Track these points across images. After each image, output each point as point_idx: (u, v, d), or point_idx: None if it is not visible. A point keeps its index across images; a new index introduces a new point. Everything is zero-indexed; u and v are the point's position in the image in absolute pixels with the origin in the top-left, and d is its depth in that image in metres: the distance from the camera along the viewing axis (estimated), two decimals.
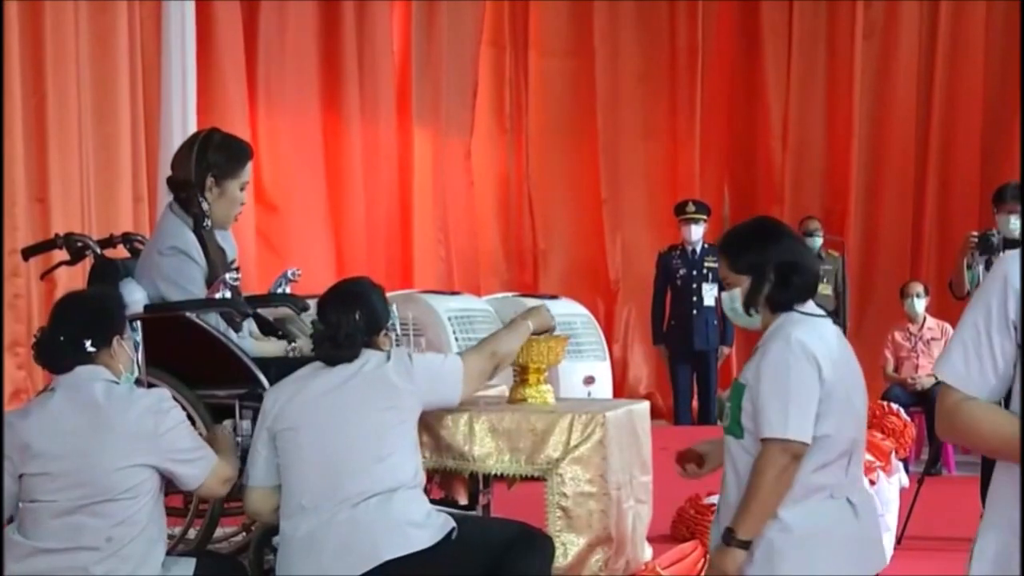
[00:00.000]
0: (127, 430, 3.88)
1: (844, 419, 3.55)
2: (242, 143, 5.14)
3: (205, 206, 4.86)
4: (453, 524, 4.07)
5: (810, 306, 3.66)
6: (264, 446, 4.20)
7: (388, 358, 4.21)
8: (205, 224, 4.86)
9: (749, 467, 3.53)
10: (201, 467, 4.03)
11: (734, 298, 3.71)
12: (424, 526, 4.04)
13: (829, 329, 3.63)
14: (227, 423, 4.65)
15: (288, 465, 4.13)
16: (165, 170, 8.07)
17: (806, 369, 3.48)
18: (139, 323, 4.63)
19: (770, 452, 3.47)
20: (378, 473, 4.03)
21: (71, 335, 3.96)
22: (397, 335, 4.58)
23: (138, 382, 4.25)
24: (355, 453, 4.05)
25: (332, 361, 4.20)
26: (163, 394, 4.08)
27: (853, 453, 3.61)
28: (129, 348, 4.10)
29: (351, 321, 4.18)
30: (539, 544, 4.28)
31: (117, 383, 3.98)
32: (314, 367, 4.26)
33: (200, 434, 4.64)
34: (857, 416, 3.63)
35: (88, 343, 3.96)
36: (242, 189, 4.96)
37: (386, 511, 4.00)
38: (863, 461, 3.78)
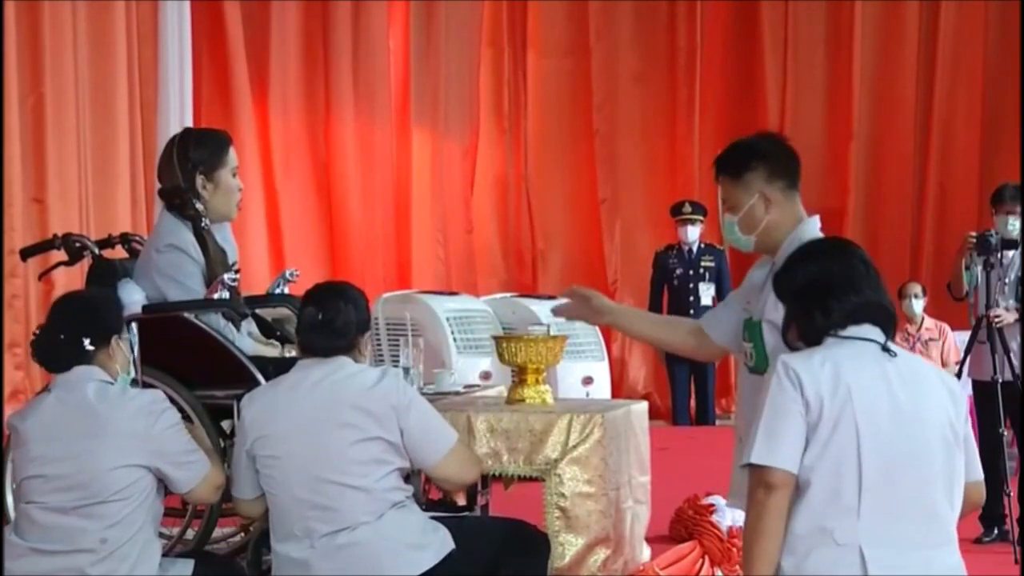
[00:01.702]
0: (120, 430, 3.87)
1: (843, 452, 3.08)
2: (218, 131, 5.15)
3: (200, 206, 4.85)
4: (452, 546, 4.00)
5: (857, 329, 3.21)
6: (245, 465, 4.06)
7: (378, 381, 4.01)
8: (204, 224, 4.85)
9: None
10: (193, 471, 4.00)
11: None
12: (423, 546, 3.96)
13: (851, 353, 3.17)
14: (225, 424, 4.64)
15: (274, 493, 4.00)
16: None
17: (784, 390, 3.11)
18: (135, 325, 4.61)
19: (749, 485, 3.13)
20: (370, 500, 3.92)
21: (71, 333, 3.96)
22: (374, 342, 4.46)
23: (134, 383, 4.23)
24: (344, 484, 3.92)
25: (326, 352, 4.03)
26: (157, 395, 4.05)
27: (870, 495, 3.08)
28: (126, 349, 4.09)
29: (349, 311, 4.07)
30: (535, 543, 4.26)
31: (111, 383, 3.97)
32: (294, 379, 4.07)
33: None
34: (877, 453, 3.08)
35: (87, 341, 3.95)
36: (234, 175, 4.95)
37: (382, 535, 3.92)
38: (918, 515, 3.14)
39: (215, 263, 4.85)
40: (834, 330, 3.21)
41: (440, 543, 3.99)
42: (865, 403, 3.10)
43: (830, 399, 3.09)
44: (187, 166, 4.87)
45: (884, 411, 3.11)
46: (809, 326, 3.23)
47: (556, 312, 4.47)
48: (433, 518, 4.10)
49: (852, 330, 3.20)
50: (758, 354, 3.81)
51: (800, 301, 3.26)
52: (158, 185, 5.09)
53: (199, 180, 4.87)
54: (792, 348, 3.29)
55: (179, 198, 4.85)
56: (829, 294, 3.22)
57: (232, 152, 4.97)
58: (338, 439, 3.93)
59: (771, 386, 3.14)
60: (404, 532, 3.96)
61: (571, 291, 4.38)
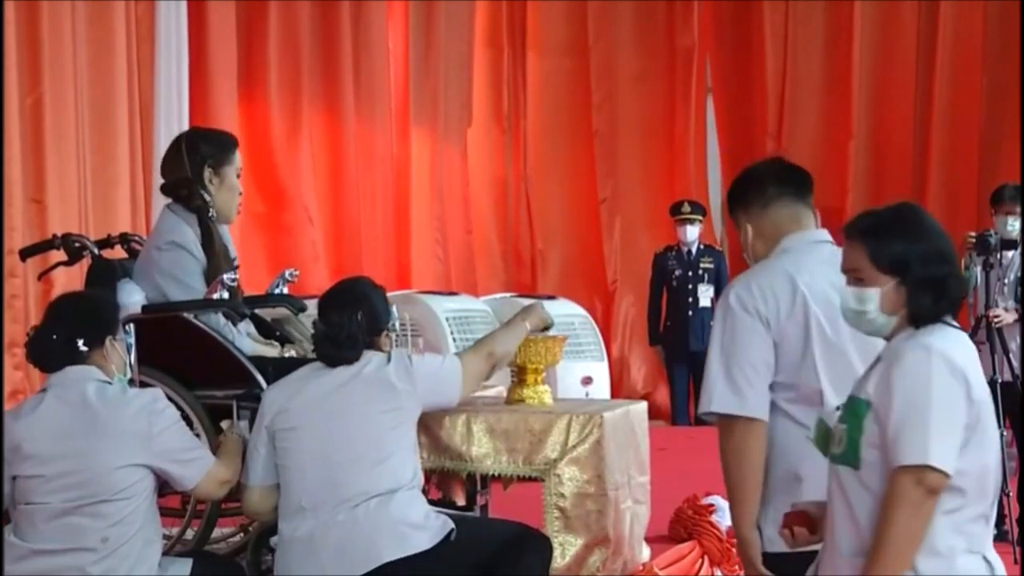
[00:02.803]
0: (121, 430, 3.88)
1: (988, 454, 2.94)
2: (226, 132, 5.25)
3: (208, 198, 4.88)
4: (452, 526, 4.08)
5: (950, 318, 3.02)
6: (263, 445, 4.20)
7: (389, 360, 4.20)
8: (211, 215, 4.87)
9: (867, 506, 2.91)
10: (196, 468, 4.03)
11: (866, 299, 3.00)
12: (423, 528, 4.04)
13: (967, 344, 2.98)
14: (225, 424, 4.64)
15: (287, 466, 4.13)
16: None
17: (951, 386, 2.86)
18: (132, 325, 4.62)
19: (901, 485, 2.83)
20: (377, 475, 4.03)
21: (64, 334, 3.97)
22: (397, 335, 4.57)
23: (130, 383, 4.24)
24: (354, 455, 4.05)
25: (333, 362, 4.18)
26: (156, 394, 4.07)
27: (993, 500, 3.02)
28: (122, 350, 4.10)
29: (353, 321, 4.16)
30: (536, 544, 4.28)
31: (109, 383, 3.97)
32: (314, 367, 4.25)
33: (196, 435, 4.65)
34: (997, 452, 2.99)
35: (81, 342, 3.97)
36: (238, 176, 4.99)
37: (385, 512, 4.01)
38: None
39: (219, 256, 4.86)
40: (945, 316, 2.98)
41: (440, 527, 4.07)
42: (991, 404, 2.97)
43: (985, 400, 2.93)
44: (196, 158, 4.90)
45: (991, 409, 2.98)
46: (935, 308, 2.96)
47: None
48: None
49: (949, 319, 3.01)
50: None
51: (928, 276, 2.95)
52: (158, 183, 5.10)
53: (207, 173, 4.90)
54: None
55: (186, 188, 4.87)
56: (952, 274, 2.99)
57: (237, 154, 5.02)
58: (353, 414, 4.08)
59: (932, 377, 2.85)
60: (406, 514, 4.05)
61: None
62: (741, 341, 3.44)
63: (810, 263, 3.53)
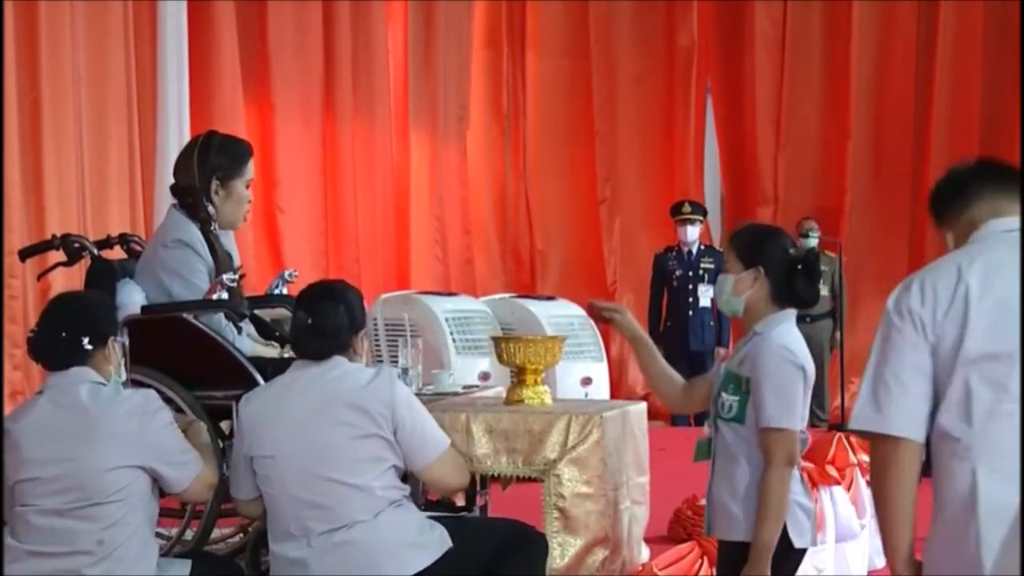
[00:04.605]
0: (114, 431, 3.86)
1: None
2: (242, 142, 5.18)
3: (211, 210, 4.88)
4: (449, 544, 4.02)
5: None
6: (244, 466, 4.09)
7: (372, 379, 4.02)
8: (213, 228, 4.88)
9: None
10: (188, 471, 3.99)
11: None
12: (420, 545, 3.98)
13: None
14: (224, 424, 4.64)
15: (272, 494, 4.01)
16: (161, 172, 8.04)
17: None
18: (127, 328, 4.60)
19: None
20: (367, 498, 3.94)
21: (72, 332, 3.95)
22: (371, 341, 4.48)
23: (124, 384, 4.22)
24: (340, 482, 3.93)
25: (317, 354, 4.04)
26: (150, 395, 4.04)
27: None
28: (119, 351, 4.09)
29: (339, 313, 4.07)
30: (531, 543, 4.26)
31: (103, 384, 3.96)
32: (289, 379, 4.10)
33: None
34: None
35: (86, 341, 3.95)
36: (247, 187, 4.99)
37: (380, 534, 3.93)
38: None
39: (222, 266, 4.87)
40: None
41: (438, 542, 4.00)
42: None
43: None
44: (205, 168, 4.90)
45: None
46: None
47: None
48: (431, 518, 4.10)
49: None
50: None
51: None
52: (158, 184, 5.11)
53: (214, 185, 4.90)
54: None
55: (192, 197, 4.87)
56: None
57: (250, 165, 5.01)
58: (334, 437, 3.94)
59: None
60: (401, 531, 3.96)
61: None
62: (890, 349, 3.02)
63: (992, 253, 3.03)
